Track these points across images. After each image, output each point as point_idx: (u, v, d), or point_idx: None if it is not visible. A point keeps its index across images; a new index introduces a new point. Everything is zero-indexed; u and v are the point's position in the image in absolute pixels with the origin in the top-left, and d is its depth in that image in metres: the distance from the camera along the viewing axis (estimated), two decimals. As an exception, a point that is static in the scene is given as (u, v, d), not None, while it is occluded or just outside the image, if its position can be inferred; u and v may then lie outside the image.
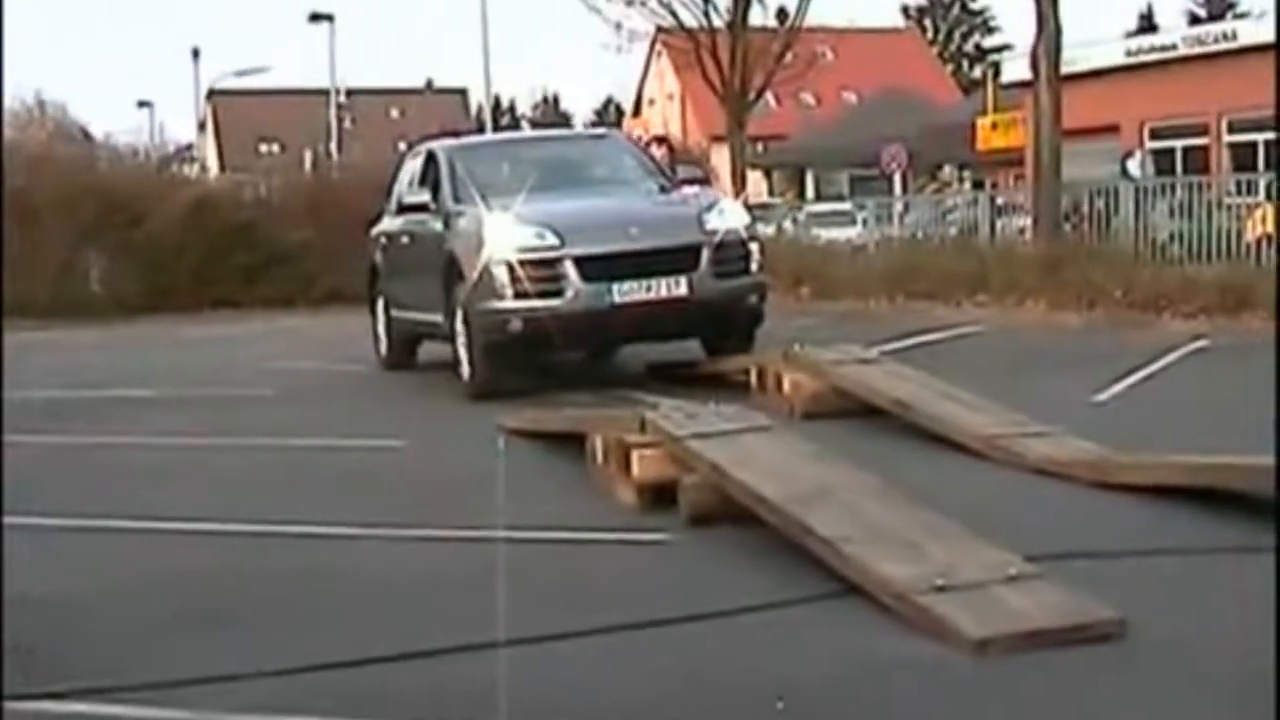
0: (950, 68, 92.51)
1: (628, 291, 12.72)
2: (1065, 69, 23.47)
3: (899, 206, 28.08)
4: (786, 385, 11.23)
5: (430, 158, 15.24)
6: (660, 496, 7.93)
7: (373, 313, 16.59)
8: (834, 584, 6.25)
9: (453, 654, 5.73)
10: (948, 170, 49.26)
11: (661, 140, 44.74)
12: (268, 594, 6.89)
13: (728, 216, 13.57)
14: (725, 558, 7.03)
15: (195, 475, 10.22)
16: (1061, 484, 8.49)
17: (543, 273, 12.68)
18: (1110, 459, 8.63)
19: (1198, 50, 37.82)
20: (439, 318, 13.77)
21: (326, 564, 7.48)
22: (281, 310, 26.53)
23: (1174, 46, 39.32)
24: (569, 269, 12.69)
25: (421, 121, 66.69)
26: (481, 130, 43.57)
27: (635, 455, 8.14)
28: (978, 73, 77.93)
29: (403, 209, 15.20)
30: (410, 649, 5.76)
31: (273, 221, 29.47)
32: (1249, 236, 19.86)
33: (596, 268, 12.70)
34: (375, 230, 16.69)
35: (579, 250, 12.74)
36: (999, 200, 26.57)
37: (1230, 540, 6.99)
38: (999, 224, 24.51)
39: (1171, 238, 20.40)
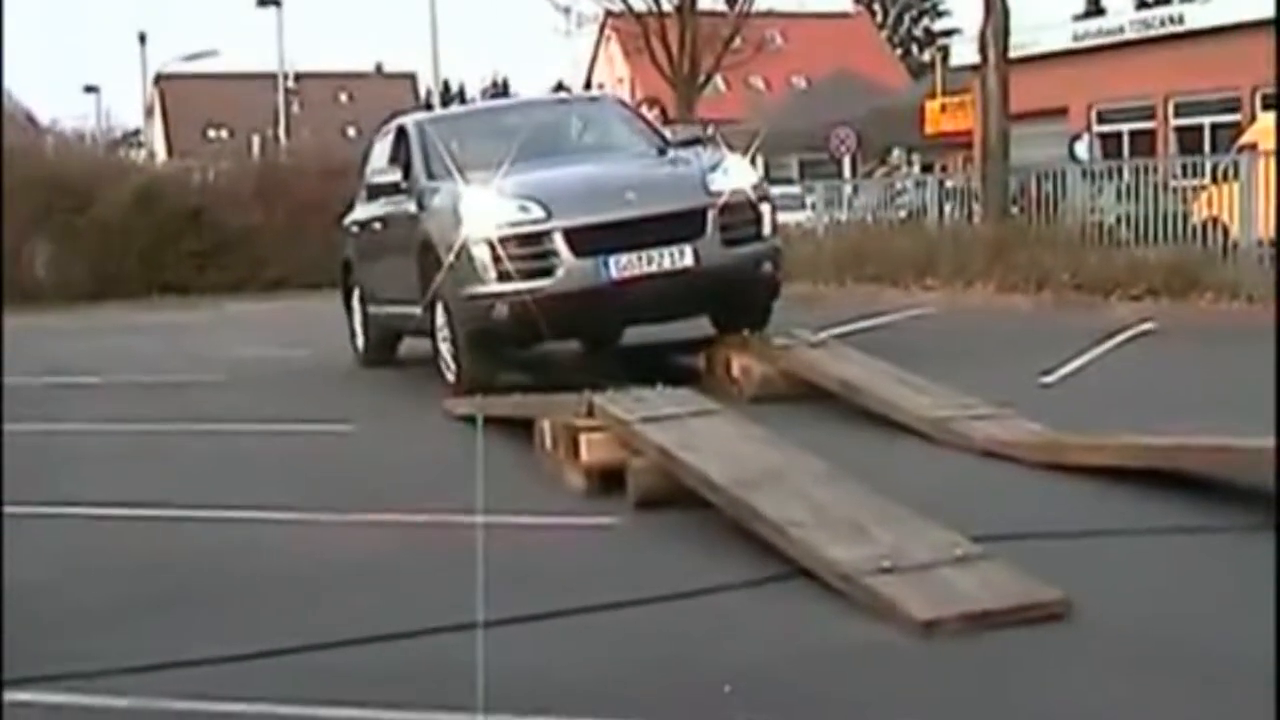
0: (899, 51, 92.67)
1: (626, 265, 11.26)
2: (1013, 52, 23.52)
3: (848, 190, 28.07)
4: (735, 369, 11.23)
5: (400, 133, 13.97)
6: (608, 480, 7.93)
7: (348, 309, 15.53)
8: (782, 567, 6.26)
9: (406, 638, 5.72)
10: (897, 154, 49.30)
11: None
12: (218, 579, 6.87)
13: (734, 175, 12.00)
14: (673, 541, 7.03)
15: (145, 461, 10.17)
16: (1009, 465, 8.51)
17: (529, 250, 11.25)
18: (1058, 440, 8.66)
19: (1145, 34, 37.96)
20: (416, 309, 12.44)
21: (277, 548, 7.46)
22: (230, 296, 26.42)
23: (1121, 30, 39.45)
24: (558, 243, 11.24)
25: (370, 106, 66.49)
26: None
27: (583, 439, 8.13)
28: (927, 56, 78.13)
29: (373, 192, 13.95)
30: (363, 633, 5.75)
31: (221, 207, 29.34)
32: (1196, 219, 19.92)
33: (589, 240, 11.27)
34: (347, 220, 15.55)
35: (568, 221, 11.31)
36: (948, 184, 26.60)
37: (1176, 521, 7.03)
38: (946, 207, 24.53)
39: (1119, 220, 20.44)
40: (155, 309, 25.21)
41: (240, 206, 29.18)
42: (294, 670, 5.46)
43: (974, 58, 24.75)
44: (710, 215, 11.51)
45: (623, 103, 16.05)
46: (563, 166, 12.50)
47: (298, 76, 69.50)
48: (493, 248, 11.24)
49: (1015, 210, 21.97)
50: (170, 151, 70.29)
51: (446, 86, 53.92)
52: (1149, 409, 10.14)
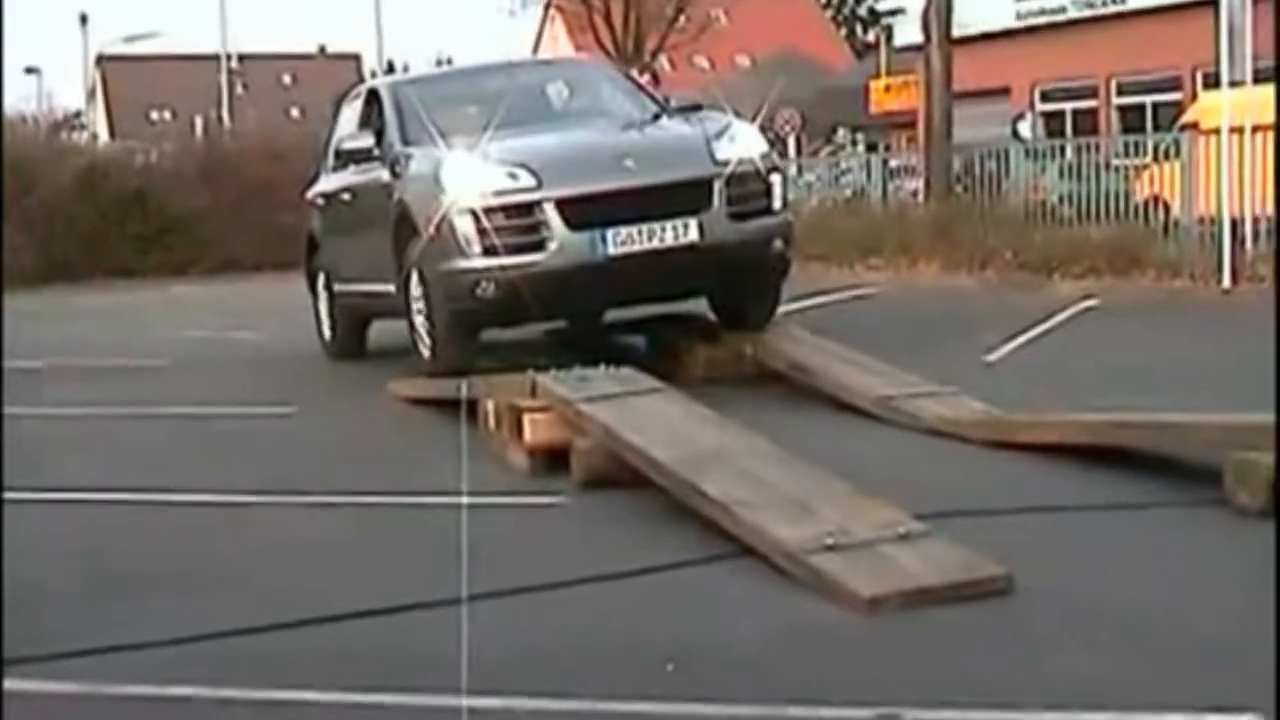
0: (843, 31, 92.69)
1: (625, 240, 10.25)
2: (956, 32, 23.54)
3: (793, 170, 28.08)
4: (681, 349, 11.20)
5: (372, 96, 12.90)
6: (553, 460, 7.92)
7: (312, 291, 14.35)
8: (727, 546, 6.27)
9: (351, 619, 5.70)
10: (842, 133, 49.34)
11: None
12: (163, 562, 6.83)
13: (742, 143, 10.94)
14: (618, 520, 7.03)
15: (89, 445, 10.10)
16: (954, 444, 8.55)
17: (517, 221, 10.21)
18: (1002, 418, 8.69)
19: (1087, 13, 38.01)
20: (390, 287, 11.43)
21: (222, 531, 7.44)
22: (175, 279, 26.27)
23: (1064, 9, 39.50)
24: (550, 215, 10.19)
25: (314, 87, 66.29)
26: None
27: (527, 419, 8.11)
28: (871, 36, 78.19)
29: (342, 159, 12.80)
30: (309, 615, 5.72)
31: (165, 189, 29.14)
32: (1138, 198, 20.02)
33: (584, 212, 10.24)
34: (311, 192, 14.38)
35: (561, 191, 10.26)
36: (892, 163, 26.66)
37: (1119, 497, 7.08)
38: (891, 186, 24.59)
39: (1061, 199, 20.52)
40: (99, 292, 25.05)
41: (184, 189, 28.99)
42: (241, 653, 5.43)
43: (918, 37, 24.75)
44: (717, 186, 10.51)
45: (615, 66, 14.74)
46: (554, 132, 11.53)
47: (241, 58, 69.15)
48: (477, 219, 10.23)
49: (959, 189, 22.04)
50: (113, 134, 69.77)
51: (391, 67, 53.57)
52: (1092, 386, 10.18)
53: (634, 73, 13.84)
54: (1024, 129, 29.33)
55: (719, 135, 10.87)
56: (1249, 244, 16.76)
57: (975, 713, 4.54)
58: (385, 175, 11.61)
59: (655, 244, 10.31)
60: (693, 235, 10.37)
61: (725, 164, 10.58)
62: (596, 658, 5.21)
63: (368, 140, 12.06)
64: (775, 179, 11.07)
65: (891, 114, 46.09)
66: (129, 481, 8.54)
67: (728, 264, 10.62)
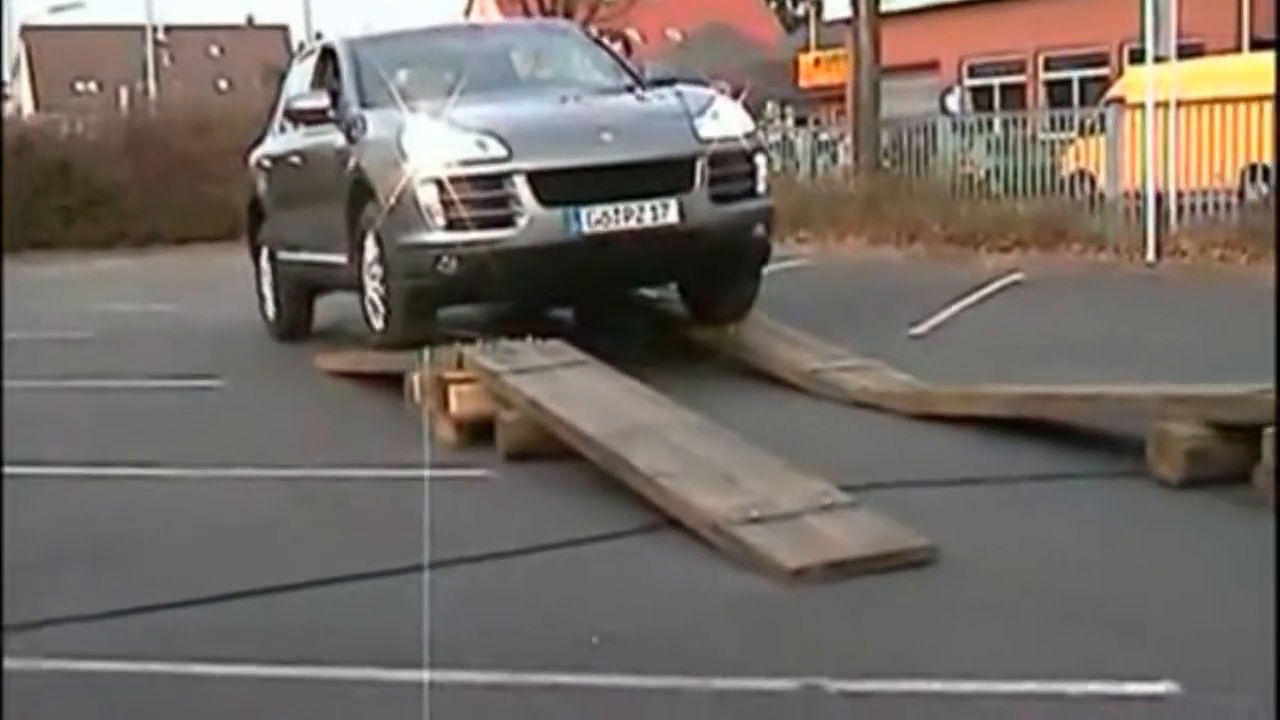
0: (773, 5, 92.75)
1: (600, 219, 9.59)
2: (885, 6, 23.60)
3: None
4: (609, 322, 11.20)
5: (327, 54, 12.08)
6: (478, 432, 7.91)
7: (256, 262, 13.59)
8: (653, 518, 6.29)
9: (276, 593, 5.69)
10: (771, 107, 49.40)
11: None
12: (85, 536, 6.78)
13: (726, 120, 10.31)
14: (543, 493, 7.04)
15: (13, 420, 10.00)
16: (879, 416, 8.60)
17: (485, 194, 9.56)
18: (927, 390, 8.74)
19: (1015, -12, 38.21)
20: (341, 258, 10.76)
21: (149, 505, 7.39)
22: (100, 252, 26.04)
23: (992, -16, 39.70)
24: (521, 188, 9.53)
25: (242, 59, 65.88)
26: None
27: (453, 391, 8.10)
28: (801, 10, 78.26)
29: (292, 119, 11.97)
30: (230, 589, 5.71)
31: (90, 161, 28.82)
32: (1064, 172, 20.13)
33: (558, 187, 9.59)
34: (256, 154, 13.56)
35: (534, 163, 9.59)
36: (821, 137, 26.71)
37: (1042, 468, 7.13)
38: (820, 160, 24.64)
39: (988, 173, 20.62)
40: (23, 264, 24.80)
41: (109, 161, 28.68)
42: (163, 628, 5.41)
43: (846, 11, 24.77)
44: (699, 165, 9.87)
45: (585, 32, 13.61)
46: (524, 100, 10.83)
47: (167, 29, 68.60)
48: (442, 189, 9.54)
49: (888, 163, 22.10)
50: (37, 105, 69.16)
51: (319, 38, 53.30)
52: (1017, 359, 10.25)
53: (605, 40, 12.87)
54: (952, 103, 29.49)
55: (702, 111, 10.26)
56: (1173, 219, 16.89)
57: (898, 682, 4.56)
58: (340, 139, 10.86)
59: (632, 224, 9.68)
60: (672, 217, 9.74)
61: (709, 142, 10.01)
62: (521, 630, 5.21)
63: (322, 100, 11.27)
64: (760, 160, 10.50)
65: (821, 88, 46.15)
66: (51, 455, 8.48)
67: (708, 249, 10.02)
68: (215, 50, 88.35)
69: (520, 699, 4.60)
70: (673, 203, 9.73)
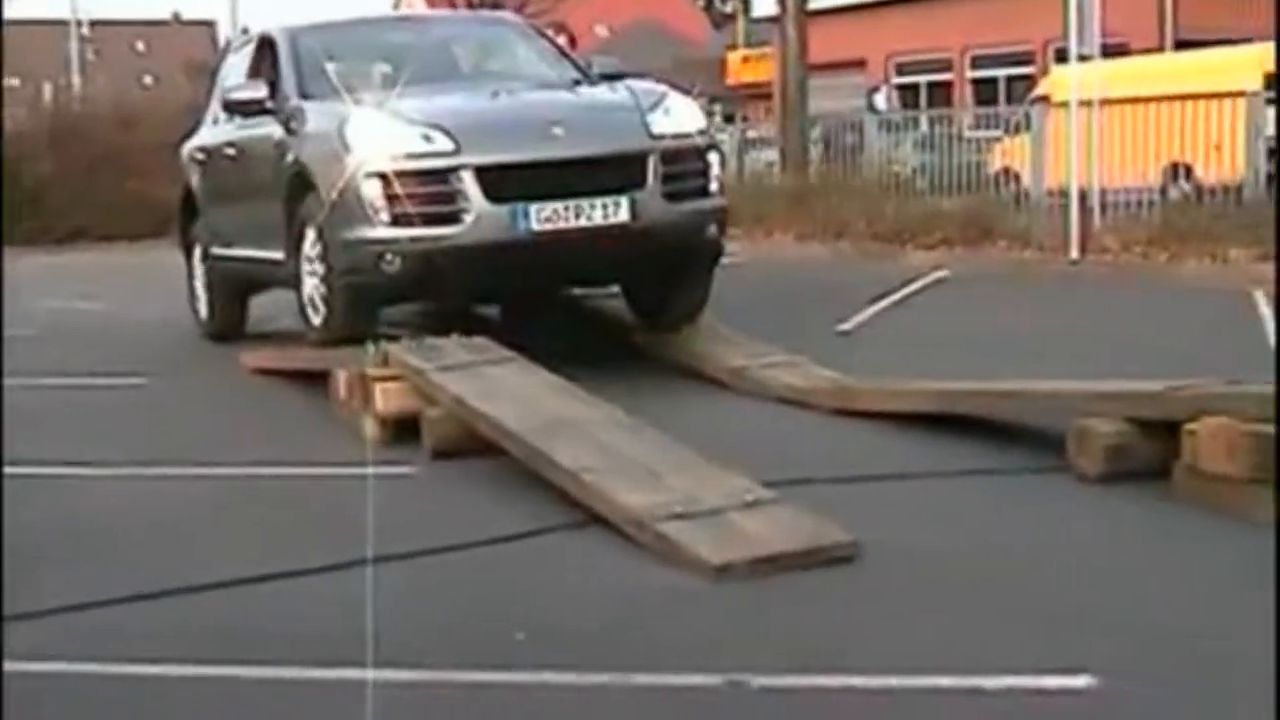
0: (702, 2, 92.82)
1: (550, 216, 9.30)
2: (812, 4, 23.73)
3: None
4: (535, 318, 11.19)
5: (265, 44, 11.70)
6: (404, 429, 7.89)
7: (188, 259, 13.17)
8: (577, 514, 6.29)
9: (200, 592, 5.65)
10: (700, 104, 49.52)
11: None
12: (11, 537, 6.71)
13: (678, 117, 10.05)
14: (469, 490, 7.02)
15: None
16: (804, 412, 8.63)
17: (431, 189, 9.27)
18: (851, 387, 8.77)
19: (942, -13, 38.41)
20: (279, 254, 10.43)
21: (72, 504, 7.31)
22: (23, 249, 25.79)
23: (919, -17, 39.89)
24: (468, 184, 9.23)
25: (167, 54, 65.46)
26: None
27: (378, 389, 8.07)
28: (729, 7, 78.37)
29: (229, 110, 11.63)
30: (154, 588, 5.67)
31: (13, 157, 28.60)
32: (991, 169, 20.28)
33: (507, 182, 9.30)
34: (189, 145, 13.13)
35: (481, 157, 9.32)
36: (749, 134, 26.80)
37: (965, 464, 7.17)
38: (747, 158, 24.71)
39: (915, 171, 20.74)
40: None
41: (33, 156, 28.47)
42: (91, 627, 5.36)
43: (774, 9, 24.86)
44: (652, 162, 9.60)
45: (530, 24, 13.06)
46: (471, 93, 10.54)
47: (92, 24, 68.09)
48: (386, 183, 9.23)
49: (815, 161, 22.20)
50: (-41, 100, 68.45)
51: (245, 34, 52.97)
52: (942, 355, 10.31)
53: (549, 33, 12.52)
54: (879, 101, 29.62)
55: (654, 107, 9.98)
56: (1097, 216, 17.02)
57: (822, 677, 4.58)
58: (278, 131, 10.57)
59: (583, 222, 9.37)
60: (624, 215, 9.45)
61: (661, 138, 9.75)
62: (444, 628, 5.21)
63: (260, 91, 10.97)
64: (713, 158, 10.23)
65: (749, 85, 46.30)
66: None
67: (659, 249, 9.75)
68: (141, 46, 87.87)
69: (443, 697, 4.59)
70: (624, 201, 9.46)
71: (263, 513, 6.97)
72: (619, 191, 9.47)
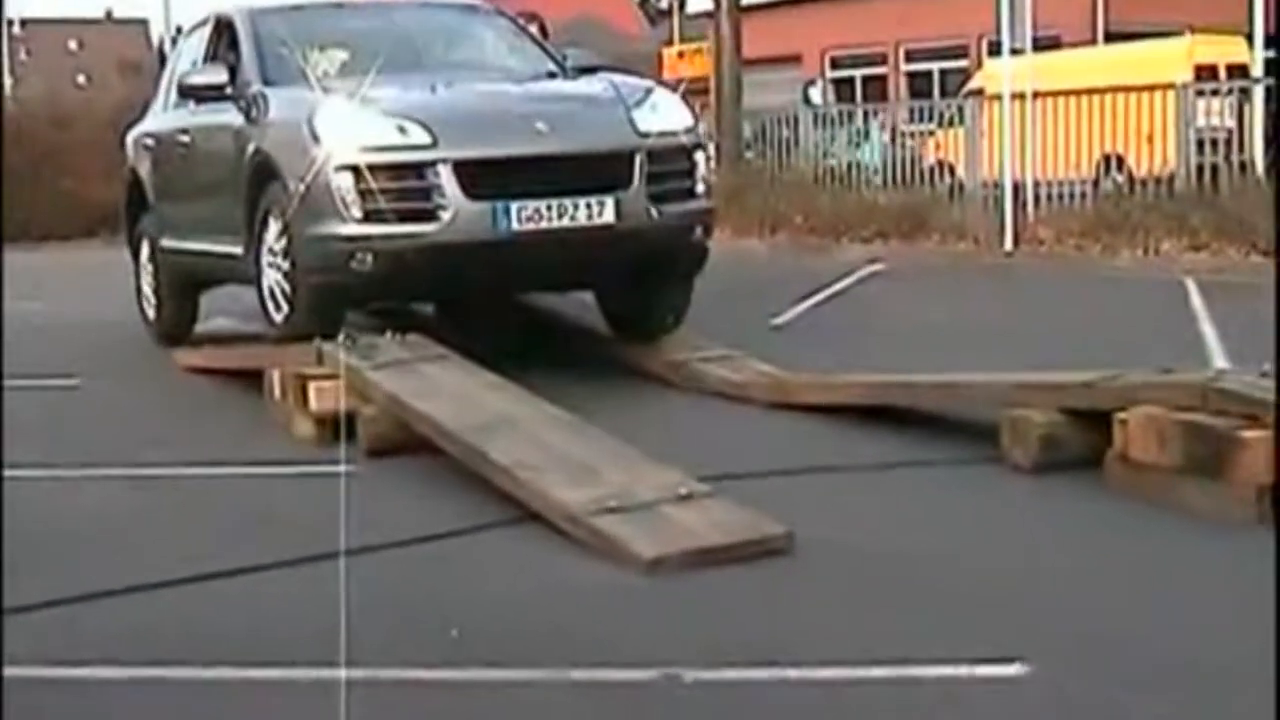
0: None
1: (531, 216, 8.82)
2: (746, -1, 23.80)
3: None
4: (473, 316, 11.14)
5: (223, 26, 11.07)
6: (339, 429, 7.83)
7: (134, 254, 12.53)
8: (512, 511, 6.28)
9: (133, 593, 5.61)
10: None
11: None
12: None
13: (665, 114, 9.60)
14: (405, 488, 7.00)
15: None
16: (739, 406, 8.66)
17: (406, 184, 8.80)
18: (786, 380, 8.80)
19: (876, -19, 38.52)
20: (237, 248, 9.94)
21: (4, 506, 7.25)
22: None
23: (853, -23, 39.99)
24: (445, 180, 8.75)
25: (101, 53, 64.97)
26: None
27: (313, 388, 8.02)
28: (664, 2, 78.38)
29: (187, 95, 10.90)
30: (88, 590, 5.62)
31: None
32: (926, 162, 20.38)
33: (487, 179, 8.82)
34: (137, 131, 12.51)
35: (460, 152, 8.84)
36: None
37: (900, 456, 7.23)
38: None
39: (849, 166, 20.81)
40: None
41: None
42: (23, 629, 5.32)
43: (709, 4, 24.92)
44: (638, 161, 9.14)
45: (502, 12, 12.20)
46: (448, 83, 9.93)
47: (24, 22, 67.65)
48: (359, 177, 8.73)
49: (750, 155, 22.24)
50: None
51: (179, 32, 52.69)
52: (876, 347, 10.36)
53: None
54: (814, 95, 29.66)
55: (640, 102, 9.54)
56: (1030, 208, 17.13)
57: (756, 670, 4.58)
58: (237, 118, 10.01)
59: (565, 222, 8.89)
60: (608, 216, 8.98)
61: (647, 136, 9.28)
62: (381, 625, 5.19)
63: (220, 75, 10.36)
64: (700, 157, 9.77)
65: (684, 80, 46.25)
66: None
67: (643, 253, 9.32)
68: (73, 44, 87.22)
69: (379, 695, 4.57)
70: (609, 201, 8.98)
71: (196, 514, 6.93)
72: (604, 191, 9.00)
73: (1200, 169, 17.55)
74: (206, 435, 8.61)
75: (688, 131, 9.67)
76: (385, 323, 9.03)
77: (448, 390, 7.63)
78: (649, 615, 5.18)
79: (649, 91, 9.83)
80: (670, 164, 9.38)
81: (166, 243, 11.67)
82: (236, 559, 5.88)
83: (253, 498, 7.13)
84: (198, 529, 6.65)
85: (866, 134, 21.27)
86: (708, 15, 26.27)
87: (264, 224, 9.48)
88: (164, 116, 12.03)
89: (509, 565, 5.81)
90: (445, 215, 8.75)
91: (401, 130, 8.87)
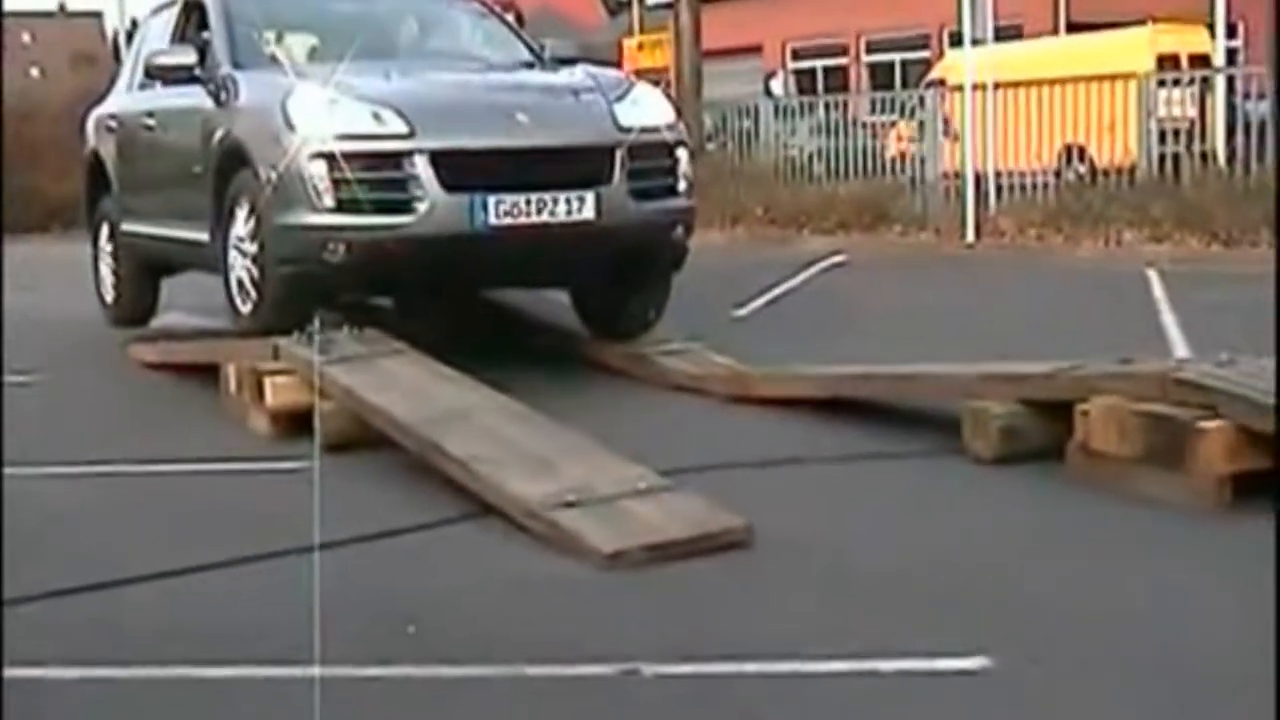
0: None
1: (510, 210, 8.69)
2: (706, -10, 23.79)
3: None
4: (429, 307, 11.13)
5: (192, 7, 10.89)
6: (296, 424, 7.81)
7: (93, 238, 12.43)
8: (470, 505, 6.27)
9: (98, 590, 5.58)
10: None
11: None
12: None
13: (646, 108, 9.52)
14: (363, 483, 6.96)
15: None
16: (699, 399, 8.65)
17: (382, 174, 8.65)
18: (746, 373, 8.80)
19: (837, -28, 38.58)
20: (202, 234, 9.78)
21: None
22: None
23: (814, -32, 40.04)
24: (422, 170, 8.60)
25: (54, 46, 64.63)
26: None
27: (269, 383, 7.99)
28: (625, -6, 78.39)
29: (154, 76, 10.61)
30: (42, 588, 5.59)
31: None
32: (891, 154, 20.41)
33: (465, 171, 8.67)
34: (99, 111, 12.36)
35: (438, 142, 8.70)
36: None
37: (860, 448, 7.22)
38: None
39: (811, 156, 20.84)
40: None
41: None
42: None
43: (668, -6, 24.94)
44: (619, 156, 9.04)
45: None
46: (425, 71, 9.86)
47: (-25, 16, 67.26)
48: (333, 166, 8.58)
49: (711, 147, 22.24)
50: None
51: (134, 25, 52.42)
52: (837, 339, 10.38)
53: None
54: (775, 86, 29.72)
55: (621, 96, 9.46)
56: (992, 199, 17.17)
57: (716, 665, 4.57)
58: (206, 101, 9.84)
59: (545, 218, 8.75)
60: (588, 213, 8.87)
61: (629, 131, 9.16)
62: (337, 622, 5.15)
63: (189, 56, 10.15)
64: (682, 154, 9.62)
65: (644, 71, 46.19)
66: None
67: (622, 250, 9.27)
68: (27, 38, 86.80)
69: (334, 693, 4.55)
70: (590, 197, 8.87)
71: (153, 511, 6.89)
72: (585, 186, 8.88)
73: (1162, 159, 17.63)
74: (162, 432, 8.56)
75: (669, 127, 9.57)
76: (342, 317, 8.93)
77: (404, 384, 7.61)
78: (608, 610, 5.17)
79: (631, 86, 9.74)
80: (652, 160, 9.29)
81: (128, 226, 11.50)
82: (193, 557, 5.85)
83: (208, 495, 7.10)
84: (151, 527, 6.60)
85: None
86: (667, 6, 26.27)
87: (232, 211, 9.32)
88: (128, 97, 11.85)
89: (466, 561, 5.79)
90: (421, 207, 8.60)
91: (377, 118, 8.72)
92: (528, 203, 8.71)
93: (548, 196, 8.75)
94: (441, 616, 5.14)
